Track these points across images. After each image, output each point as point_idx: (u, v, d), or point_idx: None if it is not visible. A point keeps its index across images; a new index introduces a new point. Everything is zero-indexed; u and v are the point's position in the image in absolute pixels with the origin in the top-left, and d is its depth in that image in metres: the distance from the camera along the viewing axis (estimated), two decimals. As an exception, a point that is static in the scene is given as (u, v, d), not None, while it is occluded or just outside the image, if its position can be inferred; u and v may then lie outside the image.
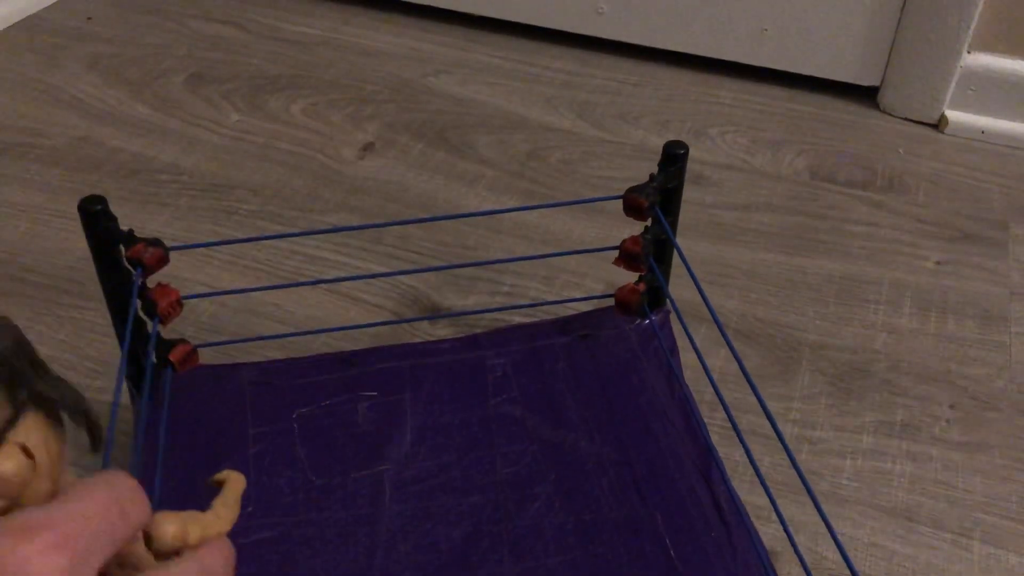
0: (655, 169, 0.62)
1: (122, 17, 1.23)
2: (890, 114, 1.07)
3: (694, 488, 0.56)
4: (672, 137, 1.02)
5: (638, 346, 0.65)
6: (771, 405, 0.71)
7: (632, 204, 0.60)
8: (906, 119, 1.06)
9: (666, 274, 0.66)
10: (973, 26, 0.98)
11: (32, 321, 0.76)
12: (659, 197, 0.61)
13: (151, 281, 0.55)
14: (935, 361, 0.75)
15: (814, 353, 0.75)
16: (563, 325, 0.66)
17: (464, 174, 0.95)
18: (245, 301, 0.78)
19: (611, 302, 0.67)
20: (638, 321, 0.66)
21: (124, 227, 0.55)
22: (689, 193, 0.93)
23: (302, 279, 0.81)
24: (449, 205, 0.91)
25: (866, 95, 1.09)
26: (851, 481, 0.65)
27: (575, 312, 0.69)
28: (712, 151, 1.00)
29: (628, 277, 0.65)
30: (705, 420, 0.67)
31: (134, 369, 0.58)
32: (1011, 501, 0.64)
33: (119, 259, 0.55)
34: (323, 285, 0.80)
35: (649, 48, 1.16)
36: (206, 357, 0.61)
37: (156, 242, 0.55)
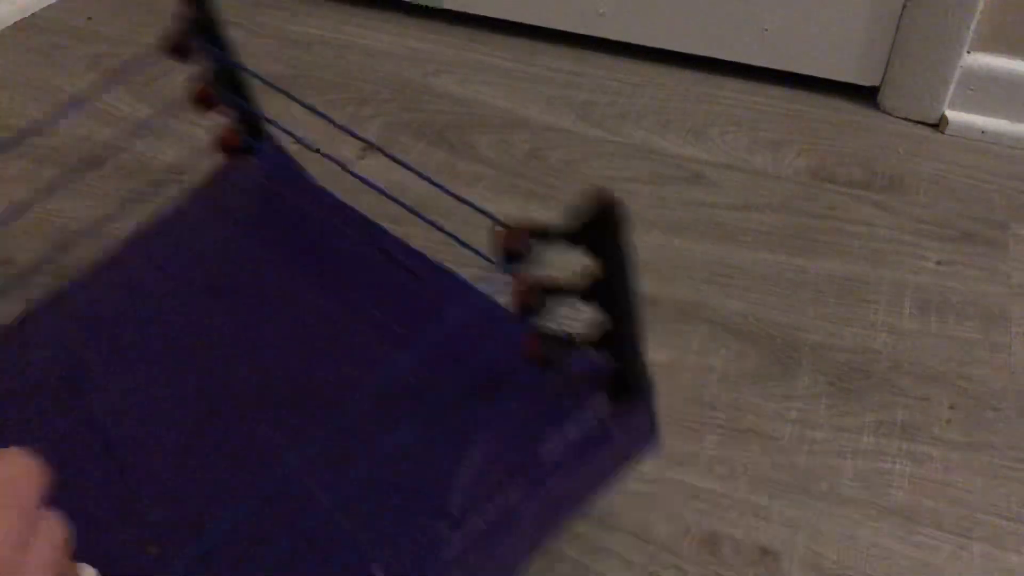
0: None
1: (122, 17, 1.23)
2: (890, 114, 1.07)
3: (372, 259, 0.60)
4: (673, 137, 1.02)
5: (270, 177, 0.66)
6: (771, 405, 0.71)
7: (175, 49, 0.61)
8: (906, 119, 1.06)
9: (249, 101, 0.66)
10: (973, 26, 0.98)
11: (32, 321, 0.76)
12: (199, 31, 0.62)
13: None
14: (935, 361, 0.75)
15: (814, 353, 0.75)
16: (190, 195, 0.67)
17: (464, 174, 0.95)
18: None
19: (218, 161, 0.67)
20: (254, 158, 0.67)
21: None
22: (689, 193, 0.93)
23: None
24: (449, 205, 0.91)
25: (866, 95, 1.09)
26: (851, 481, 0.65)
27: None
28: (712, 151, 1.00)
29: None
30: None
31: None
32: (1011, 501, 0.64)
33: None
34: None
35: (649, 48, 1.16)
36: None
37: None
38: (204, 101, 0.60)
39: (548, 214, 0.90)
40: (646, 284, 0.81)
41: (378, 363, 0.54)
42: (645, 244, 0.86)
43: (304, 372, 0.54)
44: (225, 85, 0.63)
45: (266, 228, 0.64)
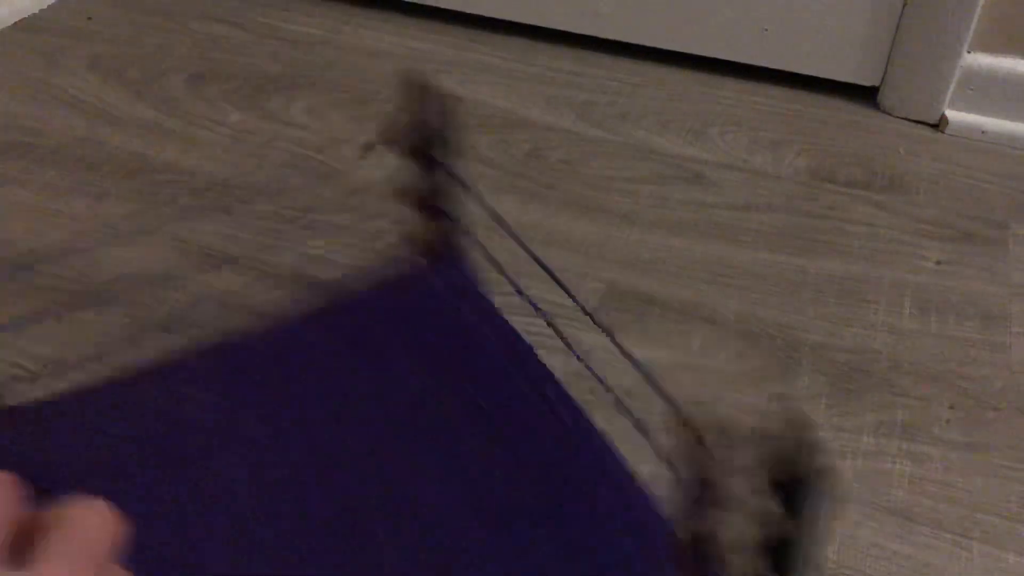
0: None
1: (122, 17, 1.23)
2: (890, 114, 1.07)
3: (533, 404, 0.57)
4: (673, 137, 1.02)
5: (447, 288, 0.65)
6: (771, 405, 0.71)
7: (403, 148, 0.60)
8: (906, 119, 1.06)
9: (456, 212, 0.65)
10: (973, 26, 0.98)
11: (32, 322, 0.76)
12: (437, 142, 0.60)
13: None
14: (935, 361, 0.75)
15: (814, 353, 0.75)
16: (368, 280, 0.65)
17: (464, 174, 0.95)
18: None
19: (411, 254, 0.66)
20: (440, 264, 0.65)
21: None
22: (689, 193, 0.93)
23: (301, 276, 0.81)
24: (449, 205, 0.91)
25: (866, 95, 1.09)
26: (851, 481, 0.65)
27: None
28: (712, 151, 1.00)
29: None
30: (497, 309, 0.65)
31: None
32: (1011, 501, 0.64)
33: None
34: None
35: (649, 48, 1.16)
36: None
37: None
38: (420, 205, 0.60)
39: (547, 214, 0.90)
40: (647, 284, 0.82)
41: (514, 533, 0.51)
42: (645, 244, 0.86)
43: (431, 493, 0.53)
44: (441, 191, 0.62)
45: (432, 341, 0.61)
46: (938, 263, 0.85)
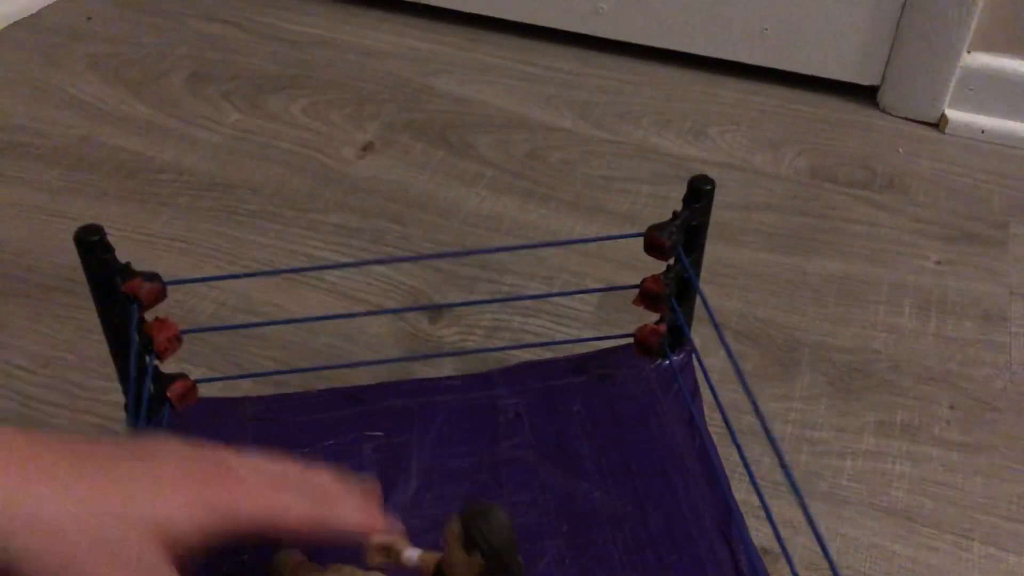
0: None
1: (122, 17, 1.23)
2: (890, 114, 1.07)
3: (713, 547, 0.53)
4: (673, 137, 1.02)
5: (658, 389, 0.62)
6: (771, 406, 0.71)
7: (653, 243, 0.57)
8: (906, 119, 1.06)
9: (688, 314, 0.63)
10: (973, 26, 0.98)
11: (32, 321, 0.76)
12: (683, 236, 0.58)
13: (149, 314, 0.53)
14: (935, 361, 0.75)
15: (814, 353, 0.75)
16: (579, 363, 0.64)
17: (464, 174, 0.95)
18: (245, 301, 0.78)
19: (629, 341, 0.64)
20: (658, 362, 0.63)
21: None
22: (689, 193, 0.93)
23: (302, 279, 0.81)
24: (449, 205, 0.91)
25: (866, 95, 1.09)
26: (851, 481, 0.65)
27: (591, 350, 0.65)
28: (712, 151, 1.00)
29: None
30: (705, 421, 0.66)
31: (134, 400, 0.55)
32: (1011, 501, 0.64)
33: (116, 290, 0.53)
34: (324, 287, 0.80)
35: (649, 48, 1.16)
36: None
37: (153, 276, 0.52)
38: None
39: (547, 214, 0.90)
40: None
41: None
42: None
43: None
44: (676, 289, 0.60)
45: (620, 436, 0.59)
46: (938, 263, 0.85)
